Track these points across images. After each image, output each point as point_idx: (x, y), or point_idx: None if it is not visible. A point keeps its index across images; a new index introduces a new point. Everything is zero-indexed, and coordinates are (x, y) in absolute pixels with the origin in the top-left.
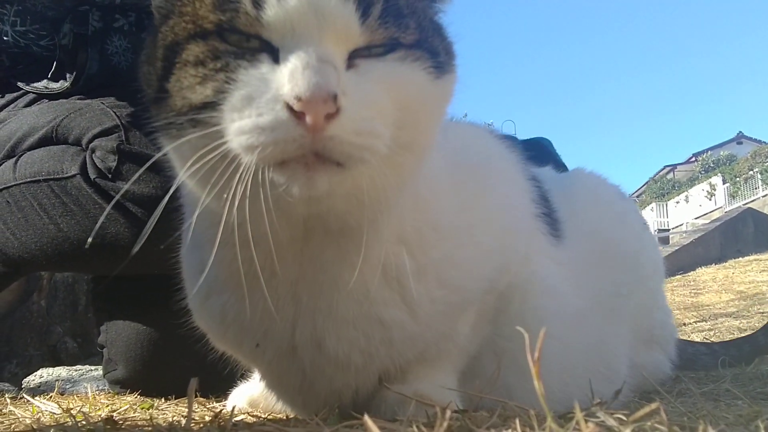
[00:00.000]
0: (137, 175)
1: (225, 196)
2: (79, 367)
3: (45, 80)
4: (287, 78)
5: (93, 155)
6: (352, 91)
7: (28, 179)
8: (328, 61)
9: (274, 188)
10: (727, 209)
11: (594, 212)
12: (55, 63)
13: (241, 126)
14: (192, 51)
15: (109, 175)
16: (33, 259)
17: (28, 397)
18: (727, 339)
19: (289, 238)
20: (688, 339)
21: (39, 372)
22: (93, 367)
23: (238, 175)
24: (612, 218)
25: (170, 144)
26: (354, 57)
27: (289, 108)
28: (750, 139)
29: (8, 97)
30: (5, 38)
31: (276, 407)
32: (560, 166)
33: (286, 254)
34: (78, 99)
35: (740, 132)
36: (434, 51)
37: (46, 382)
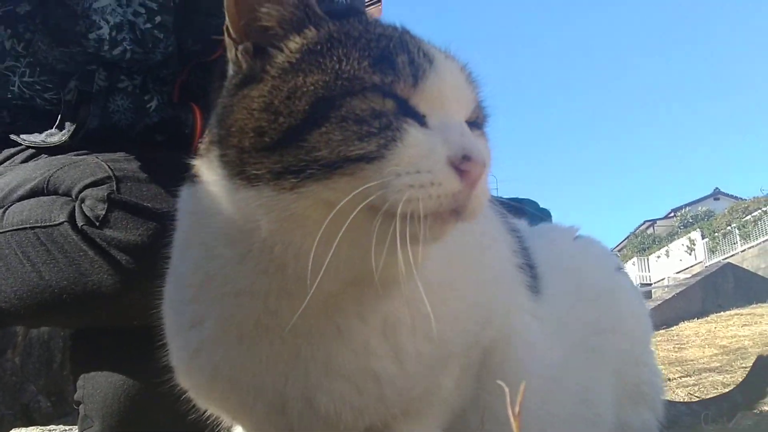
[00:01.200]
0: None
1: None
2: (52, 426)
3: (44, 134)
4: (456, 141)
5: (82, 204)
6: None
7: (15, 227)
8: (469, 131)
9: (404, 237)
10: (707, 264)
11: (569, 261)
12: (59, 116)
13: (409, 181)
14: (350, 108)
15: (97, 223)
16: (11, 308)
17: None
18: (711, 394)
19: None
20: (673, 394)
21: None
22: (67, 428)
23: (374, 224)
24: (587, 265)
25: (278, 192)
26: None
27: (452, 166)
28: (726, 194)
29: (5, 153)
30: (12, 88)
31: None
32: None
33: (315, 305)
34: (74, 155)
35: (717, 188)
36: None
37: None
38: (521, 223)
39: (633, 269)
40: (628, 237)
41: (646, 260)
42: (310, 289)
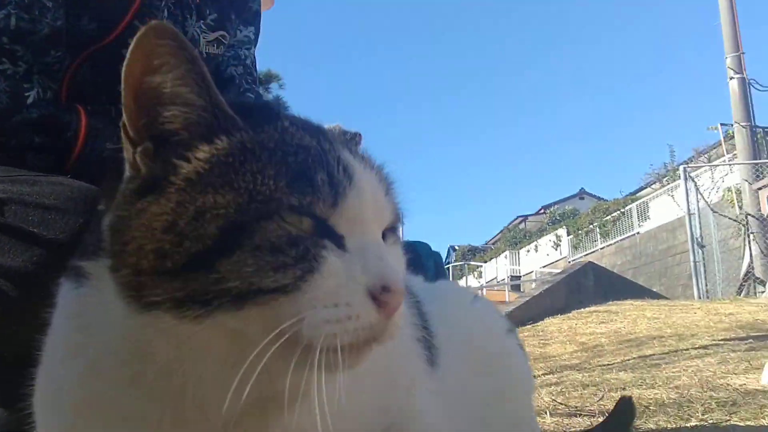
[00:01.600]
0: None
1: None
2: None
3: None
4: (374, 269)
5: None
6: None
7: None
8: (386, 252)
9: (321, 367)
10: (571, 260)
11: (463, 327)
12: None
13: (327, 315)
14: (264, 234)
15: None
16: None
17: None
18: (572, 395)
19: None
20: (538, 395)
21: None
22: None
23: (292, 358)
24: (480, 331)
25: (179, 321)
26: None
27: (371, 296)
28: (590, 195)
29: None
30: None
31: None
32: (434, 275)
33: (214, 429)
34: None
35: (582, 188)
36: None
37: None
38: (418, 280)
39: (505, 262)
40: (502, 231)
41: (517, 254)
42: (213, 415)
